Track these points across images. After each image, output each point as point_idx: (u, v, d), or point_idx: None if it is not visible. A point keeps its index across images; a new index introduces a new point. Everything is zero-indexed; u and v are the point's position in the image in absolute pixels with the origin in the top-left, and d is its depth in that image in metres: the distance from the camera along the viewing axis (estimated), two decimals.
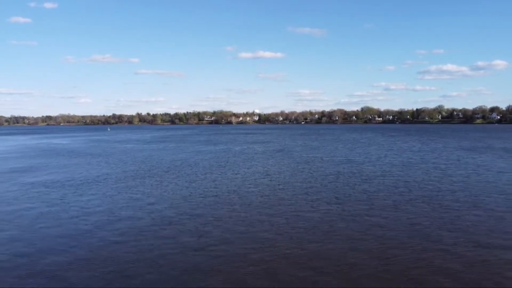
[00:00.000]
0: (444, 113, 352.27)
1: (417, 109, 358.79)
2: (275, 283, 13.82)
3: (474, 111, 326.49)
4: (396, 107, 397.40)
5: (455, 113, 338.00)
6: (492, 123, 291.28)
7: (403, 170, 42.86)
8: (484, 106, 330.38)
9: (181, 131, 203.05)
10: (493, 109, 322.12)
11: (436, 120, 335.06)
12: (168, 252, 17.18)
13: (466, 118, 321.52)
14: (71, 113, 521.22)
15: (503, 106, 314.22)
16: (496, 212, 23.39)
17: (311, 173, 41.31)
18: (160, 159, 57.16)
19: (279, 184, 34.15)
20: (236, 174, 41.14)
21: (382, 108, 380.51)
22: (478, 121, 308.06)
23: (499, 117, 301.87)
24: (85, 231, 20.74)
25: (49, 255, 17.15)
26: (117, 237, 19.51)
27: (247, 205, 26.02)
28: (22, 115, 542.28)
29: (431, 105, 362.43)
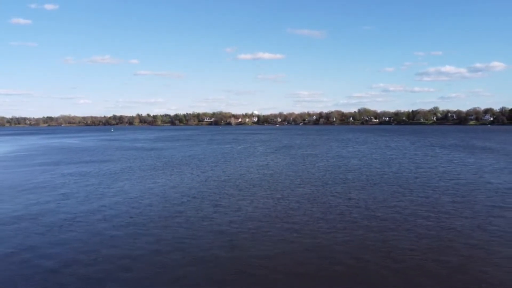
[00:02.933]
0: (439, 115, 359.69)
1: (412, 111, 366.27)
2: (267, 234, 21.05)
3: (468, 113, 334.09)
4: (394, 109, 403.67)
5: (449, 114, 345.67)
6: (485, 124, 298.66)
7: (383, 163, 50.12)
8: (478, 107, 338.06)
9: (183, 132, 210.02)
10: (487, 111, 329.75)
11: (431, 122, 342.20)
12: (191, 218, 24.43)
13: (460, 119, 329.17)
14: (71, 114, 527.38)
15: (501, 107, 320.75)
16: (440, 190, 30.69)
17: (304, 165, 48.54)
18: (172, 155, 64.40)
19: (276, 173, 41.39)
20: (240, 166, 48.38)
21: (380, 109, 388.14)
22: (472, 122, 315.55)
23: (492, 119, 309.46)
24: (127, 204, 27.95)
25: (102, 222, 24.40)
26: (151, 208, 26.73)
27: (251, 187, 33.28)
28: (21, 115, 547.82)
29: (430, 107, 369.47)
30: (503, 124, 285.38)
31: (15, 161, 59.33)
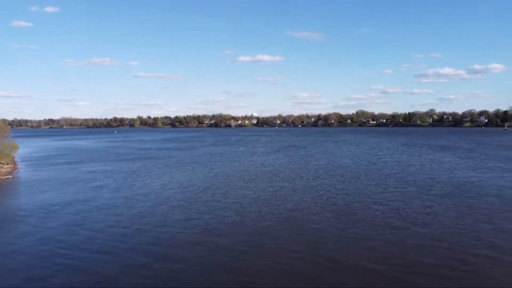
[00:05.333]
0: (435, 117, 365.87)
1: (409, 113, 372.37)
2: (269, 215, 27.57)
3: (463, 115, 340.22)
4: (394, 110, 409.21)
5: (445, 116, 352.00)
6: (480, 126, 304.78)
7: (370, 161, 56.65)
8: (473, 109, 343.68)
9: (185, 134, 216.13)
10: (482, 113, 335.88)
11: (427, 123, 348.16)
12: (208, 201, 30.95)
13: (455, 121, 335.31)
14: (70, 116, 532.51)
15: (501, 109, 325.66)
16: (409, 183, 37.27)
17: (300, 163, 55.07)
18: (182, 155, 70.90)
19: (276, 169, 47.90)
20: (245, 164, 54.92)
21: (379, 111, 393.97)
22: (467, 124, 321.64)
23: (486, 121, 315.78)
24: (153, 193, 34.47)
25: (138, 204, 30.91)
26: (175, 195, 33.25)
27: (254, 179, 39.83)
28: (20, 118, 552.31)
29: (428, 108, 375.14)
30: (497, 125, 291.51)
31: (40, 160, 65.72)
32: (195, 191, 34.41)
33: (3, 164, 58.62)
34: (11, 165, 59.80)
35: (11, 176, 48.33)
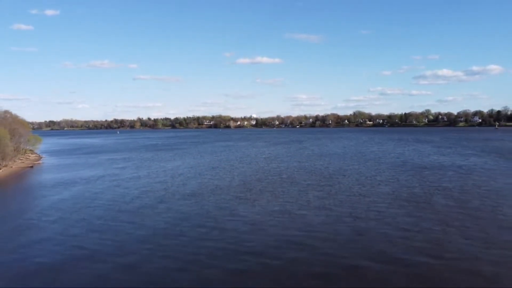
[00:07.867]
0: (431, 117, 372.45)
1: (405, 113, 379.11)
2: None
3: (458, 115, 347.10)
4: (392, 112, 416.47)
5: (440, 116, 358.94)
6: (473, 126, 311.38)
7: (357, 150, 63.45)
8: (468, 110, 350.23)
9: (188, 133, 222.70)
10: (476, 113, 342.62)
11: (423, 124, 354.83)
12: (218, 174, 37.71)
13: (450, 121, 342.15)
14: (71, 118, 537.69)
15: (489, 110, 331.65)
16: (386, 164, 44.02)
17: (296, 152, 61.83)
18: (189, 148, 77.64)
19: (272, 156, 54.66)
20: (246, 153, 61.66)
21: (376, 112, 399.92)
22: (461, 124, 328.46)
23: (480, 120, 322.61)
24: (170, 170, 41.15)
25: (159, 177, 37.61)
26: (189, 170, 39.94)
27: (254, 162, 46.56)
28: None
29: (425, 109, 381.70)
30: (490, 125, 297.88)
31: (59, 152, 72.33)
32: (205, 169, 41.15)
33: (29, 153, 65.25)
34: (36, 155, 66.30)
35: (40, 161, 54.86)
